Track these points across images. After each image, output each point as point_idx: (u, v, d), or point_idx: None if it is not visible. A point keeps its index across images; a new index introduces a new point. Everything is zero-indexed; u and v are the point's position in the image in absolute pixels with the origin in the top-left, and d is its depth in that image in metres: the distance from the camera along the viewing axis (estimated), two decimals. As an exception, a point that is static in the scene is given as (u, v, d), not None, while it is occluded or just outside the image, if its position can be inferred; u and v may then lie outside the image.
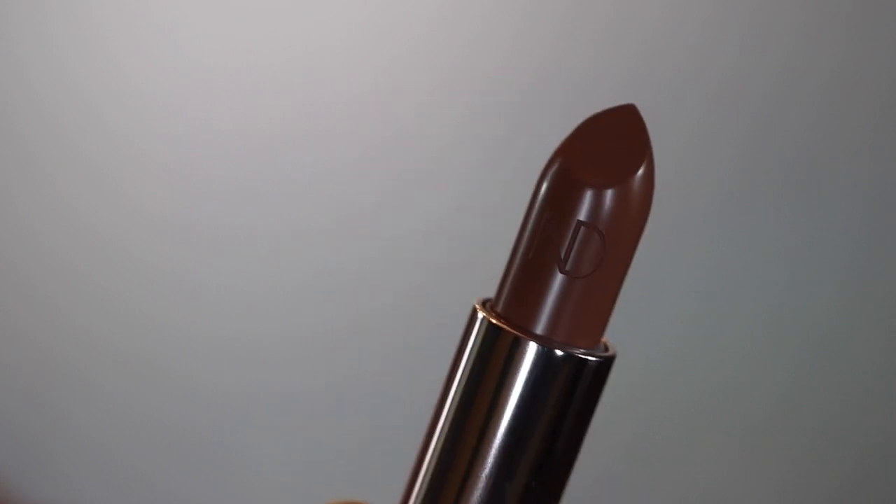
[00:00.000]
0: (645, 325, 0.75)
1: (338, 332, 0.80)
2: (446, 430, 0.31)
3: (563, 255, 0.30)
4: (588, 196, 0.30)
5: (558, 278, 0.30)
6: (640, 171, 0.30)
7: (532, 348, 0.30)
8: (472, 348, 0.31)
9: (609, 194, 0.30)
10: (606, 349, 0.31)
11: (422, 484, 0.31)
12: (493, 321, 0.30)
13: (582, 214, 0.30)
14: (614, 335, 0.73)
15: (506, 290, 0.31)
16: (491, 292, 0.32)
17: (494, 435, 0.30)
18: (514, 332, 0.30)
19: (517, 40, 0.76)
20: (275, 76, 0.80)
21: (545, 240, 0.30)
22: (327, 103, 0.79)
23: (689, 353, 0.75)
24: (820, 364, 0.74)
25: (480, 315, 0.31)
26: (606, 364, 0.31)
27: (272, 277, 0.82)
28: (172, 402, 0.83)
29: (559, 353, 0.30)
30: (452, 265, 0.78)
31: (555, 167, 0.30)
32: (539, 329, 0.30)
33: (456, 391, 0.31)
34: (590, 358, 0.30)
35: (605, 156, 0.30)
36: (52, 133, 0.83)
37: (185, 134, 0.81)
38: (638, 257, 0.77)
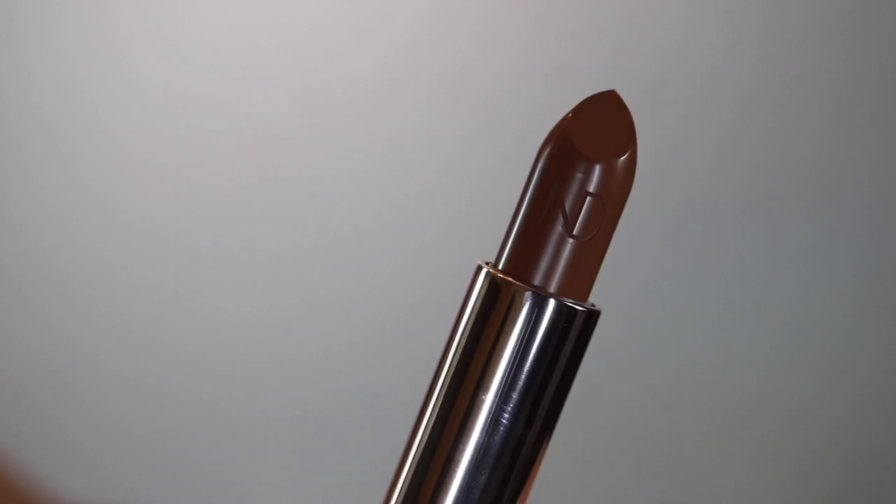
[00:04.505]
0: (658, 331, 0.77)
1: (343, 348, 0.83)
2: (452, 371, 0.35)
3: (569, 221, 0.34)
4: (593, 169, 0.35)
5: (559, 240, 0.35)
6: (631, 148, 0.35)
7: (529, 297, 0.35)
8: (475, 300, 0.36)
9: (610, 167, 0.35)
10: (593, 305, 0.36)
11: (431, 414, 0.36)
12: (496, 274, 0.35)
13: (588, 185, 0.34)
14: (628, 341, 0.75)
15: (507, 251, 0.36)
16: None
17: (495, 372, 0.35)
18: (516, 282, 0.35)
19: (525, 42, 0.78)
20: (278, 82, 0.82)
21: (553, 206, 0.34)
22: (331, 112, 0.81)
23: (704, 360, 0.78)
24: (836, 372, 0.76)
25: (484, 270, 0.36)
26: (594, 315, 0.36)
27: (274, 290, 0.83)
28: (164, 419, 0.85)
29: (554, 301, 0.35)
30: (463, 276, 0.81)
31: (561, 144, 0.35)
32: (536, 282, 0.35)
33: (461, 338, 0.36)
34: (579, 308, 0.35)
35: (599, 134, 0.35)
36: (48, 141, 0.84)
37: (186, 141, 0.83)
38: (656, 265, 0.78)
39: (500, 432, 0.35)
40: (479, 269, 0.36)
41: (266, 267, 0.83)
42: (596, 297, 0.36)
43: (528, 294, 0.35)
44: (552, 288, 0.35)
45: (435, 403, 0.36)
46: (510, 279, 0.35)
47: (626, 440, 0.79)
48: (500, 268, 0.36)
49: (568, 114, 0.35)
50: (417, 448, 0.36)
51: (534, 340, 0.35)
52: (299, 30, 0.82)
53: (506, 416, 0.35)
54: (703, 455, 0.78)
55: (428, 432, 0.36)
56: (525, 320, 0.35)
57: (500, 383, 0.35)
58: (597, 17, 0.78)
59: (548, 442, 0.36)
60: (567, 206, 0.35)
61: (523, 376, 0.35)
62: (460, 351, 0.35)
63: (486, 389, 0.35)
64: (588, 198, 0.35)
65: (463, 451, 0.35)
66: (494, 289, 0.35)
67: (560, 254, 0.35)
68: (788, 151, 0.76)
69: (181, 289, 0.84)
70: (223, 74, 0.82)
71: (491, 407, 0.35)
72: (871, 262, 0.75)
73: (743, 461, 0.77)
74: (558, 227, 0.35)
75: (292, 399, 0.83)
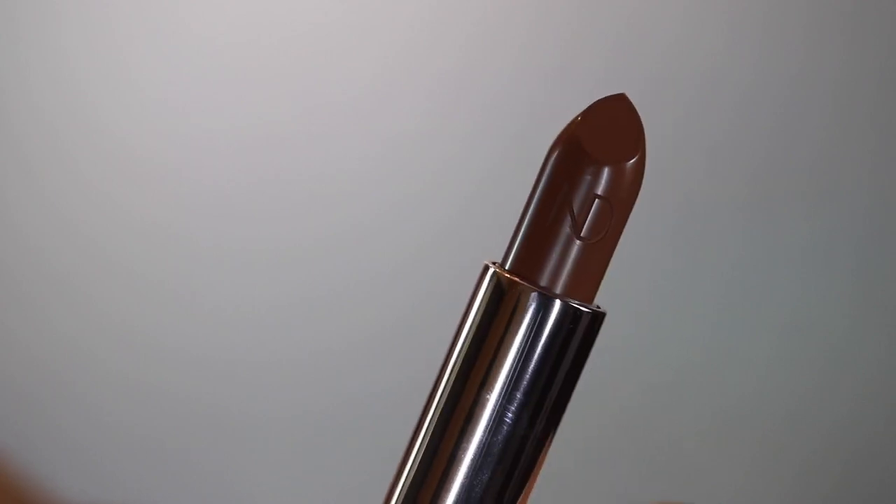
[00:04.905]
0: (659, 331, 0.77)
1: (343, 348, 0.83)
2: (456, 369, 0.36)
3: (577, 223, 0.34)
4: (601, 171, 0.35)
5: (567, 242, 0.35)
6: (640, 152, 0.35)
7: (535, 297, 0.35)
8: (481, 299, 0.36)
9: (619, 170, 0.35)
10: (598, 307, 0.36)
11: (434, 412, 0.36)
12: (503, 274, 0.36)
13: (597, 188, 0.35)
14: (628, 340, 0.76)
15: (514, 251, 0.36)
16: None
17: (500, 371, 0.35)
18: (523, 282, 0.35)
19: (525, 42, 0.78)
20: (278, 82, 0.82)
21: (561, 208, 0.35)
22: (331, 112, 0.81)
23: (704, 360, 0.78)
24: (836, 372, 0.76)
25: (491, 269, 0.36)
26: (599, 317, 0.36)
27: (274, 290, 0.83)
28: (164, 419, 0.84)
29: (560, 302, 0.35)
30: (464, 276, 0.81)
31: (570, 146, 0.35)
32: (542, 283, 0.35)
33: (466, 336, 0.36)
34: (585, 309, 0.35)
35: (609, 137, 0.35)
36: (48, 141, 0.84)
37: (186, 141, 0.83)
38: (656, 265, 0.79)
39: (504, 431, 0.35)
40: (486, 268, 0.36)
41: (266, 267, 0.83)
42: (596, 297, 0.36)
43: (534, 294, 0.35)
44: (558, 289, 0.35)
45: (439, 401, 0.36)
46: (517, 279, 0.35)
47: (626, 440, 0.79)
48: (506, 268, 0.36)
49: (577, 116, 0.35)
50: (420, 445, 0.36)
51: (539, 340, 0.35)
52: (299, 30, 0.82)
53: (509, 415, 0.35)
54: (703, 455, 0.78)
55: (431, 429, 0.36)
56: (531, 320, 0.35)
57: (505, 382, 0.35)
58: (597, 17, 0.78)
59: (551, 441, 0.36)
60: (575, 208, 0.35)
61: (528, 376, 0.35)
62: (465, 349, 0.36)
63: (491, 388, 0.35)
64: (596, 200, 0.35)
65: (466, 449, 0.35)
66: (501, 289, 0.35)
67: (567, 255, 0.35)
68: (788, 151, 0.76)
69: (181, 289, 0.84)
70: (223, 74, 0.82)
71: (495, 406, 0.35)
72: (871, 262, 0.75)
73: (743, 461, 0.77)
74: (566, 229, 0.35)
75: (292, 399, 0.84)
